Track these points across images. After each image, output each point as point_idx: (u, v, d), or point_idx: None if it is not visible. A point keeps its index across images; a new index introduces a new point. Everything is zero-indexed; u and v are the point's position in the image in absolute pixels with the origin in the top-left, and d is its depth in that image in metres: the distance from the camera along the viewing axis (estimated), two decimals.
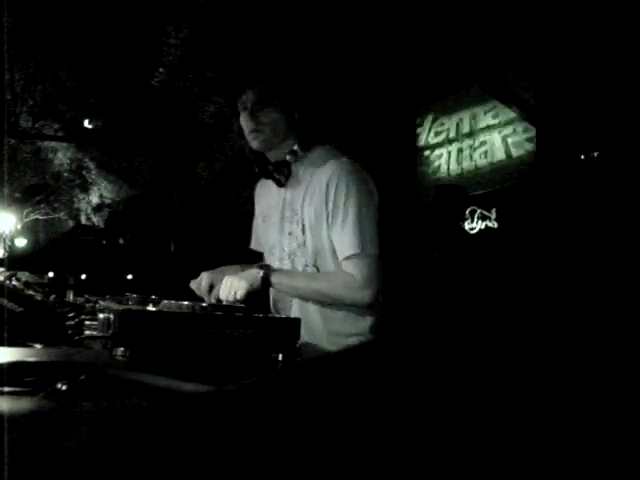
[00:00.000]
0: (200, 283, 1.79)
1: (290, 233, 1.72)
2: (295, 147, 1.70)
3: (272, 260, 1.81)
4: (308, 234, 1.67)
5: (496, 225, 6.95)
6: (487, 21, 6.19)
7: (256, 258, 2.07)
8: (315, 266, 1.67)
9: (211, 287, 1.76)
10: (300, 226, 1.69)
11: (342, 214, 1.59)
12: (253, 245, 2.03)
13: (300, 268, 1.69)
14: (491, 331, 0.42)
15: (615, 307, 0.42)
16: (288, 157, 1.71)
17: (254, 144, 1.71)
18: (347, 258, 1.59)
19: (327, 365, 0.41)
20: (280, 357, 1.09)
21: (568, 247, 5.24)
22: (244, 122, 1.70)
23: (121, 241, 16.38)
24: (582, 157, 5.64)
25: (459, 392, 0.35)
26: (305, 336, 1.66)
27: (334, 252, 1.64)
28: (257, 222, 1.97)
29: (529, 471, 0.31)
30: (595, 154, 5.56)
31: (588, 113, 5.42)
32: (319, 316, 1.67)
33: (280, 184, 1.73)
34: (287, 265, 1.73)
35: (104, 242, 16.61)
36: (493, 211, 7.00)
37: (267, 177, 1.77)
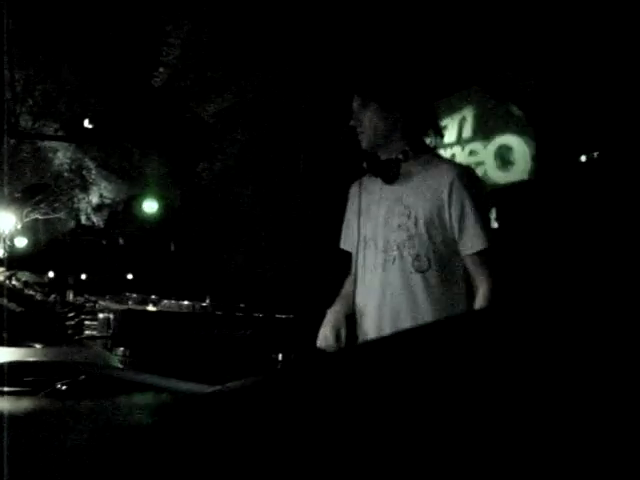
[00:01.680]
0: (325, 336, 1.88)
1: (400, 226, 1.84)
2: (406, 148, 1.85)
3: (370, 251, 1.91)
4: (421, 227, 1.81)
5: (496, 225, 6.95)
6: (487, 21, 6.19)
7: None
8: (427, 256, 1.81)
9: (337, 335, 1.88)
10: (413, 220, 1.83)
11: (472, 215, 1.78)
12: (342, 244, 2.12)
13: (410, 258, 1.82)
14: (491, 331, 0.42)
15: (615, 307, 0.42)
16: (400, 156, 1.85)
17: (362, 144, 1.89)
18: (478, 253, 1.78)
19: (327, 365, 0.41)
20: (280, 357, 1.09)
21: (568, 247, 5.24)
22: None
23: (121, 241, 16.38)
24: (582, 157, 5.64)
25: (459, 392, 0.35)
26: (411, 323, 1.78)
27: (445, 247, 1.81)
28: (349, 220, 2.06)
29: (529, 471, 0.31)
30: (595, 154, 5.56)
31: (588, 113, 5.42)
32: (427, 304, 1.81)
33: (389, 180, 1.87)
34: (394, 254, 1.85)
35: (104, 242, 16.62)
36: (493, 211, 7.00)
37: (376, 174, 1.89)
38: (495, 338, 0.40)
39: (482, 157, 7.34)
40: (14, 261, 12.67)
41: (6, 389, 0.65)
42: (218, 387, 0.43)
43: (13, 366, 0.69)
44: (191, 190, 12.27)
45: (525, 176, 6.54)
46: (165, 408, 0.36)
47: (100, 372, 0.71)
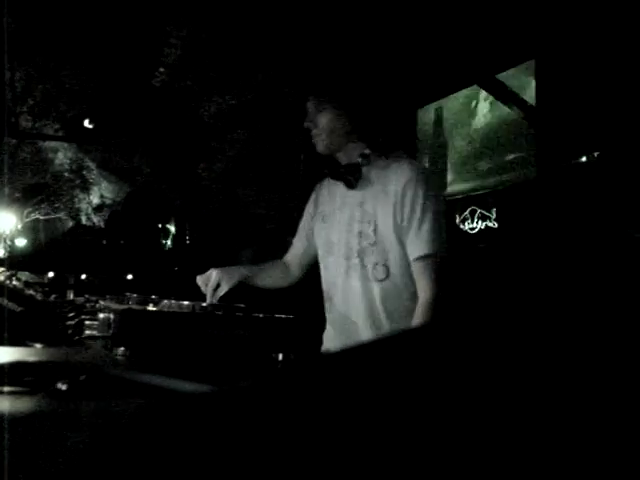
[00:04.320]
0: (208, 279, 1.82)
1: (360, 232, 1.78)
2: (366, 151, 1.78)
3: (332, 258, 1.87)
4: (380, 234, 1.75)
5: (496, 225, 6.95)
6: (487, 21, 6.19)
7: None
8: (385, 265, 1.75)
9: (217, 285, 1.81)
10: (372, 226, 1.76)
11: (420, 216, 1.69)
12: (296, 240, 2.07)
13: (370, 266, 1.76)
14: (491, 331, 0.42)
15: (615, 308, 0.42)
16: (360, 160, 1.79)
17: (317, 147, 1.82)
18: (420, 258, 1.69)
19: (327, 365, 0.41)
20: (280, 357, 1.09)
21: (568, 247, 5.24)
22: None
23: (122, 241, 16.38)
24: (582, 157, 5.64)
25: (460, 392, 0.35)
26: (370, 333, 1.72)
27: (403, 252, 1.73)
28: (311, 222, 2.01)
29: (528, 471, 0.31)
30: (595, 154, 5.56)
31: (588, 113, 5.42)
32: (384, 314, 1.75)
33: (351, 185, 1.80)
34: (355, 262, 1.79)
35: (104, 242, 16.62)
36: (493, 211, 7.00)
37: (337, 179, 1.83)
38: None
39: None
40: (14, 261, 12.67)
41: (6, 389, 0.65)
42: (218, 387, 0.43)
43: (13, 366, 0.69)
44: (191, 190, 12.27)
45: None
46: (165, 408, 0.36)
47: (101, 372, 0.71)
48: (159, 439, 0.31)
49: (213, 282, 1.81)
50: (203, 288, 1.82)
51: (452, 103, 7.97)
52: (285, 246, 2.18)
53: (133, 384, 0.68)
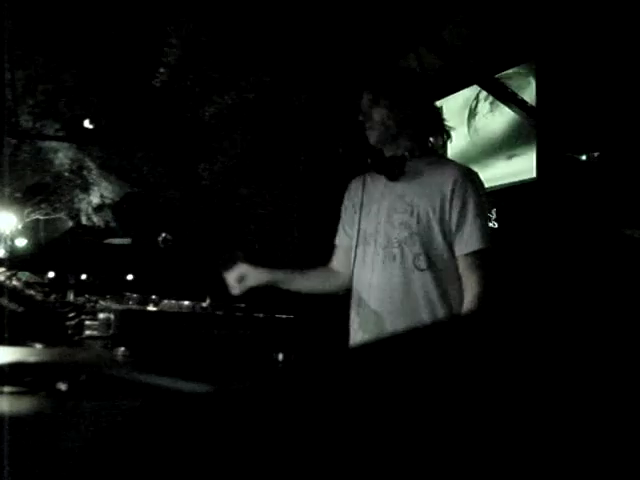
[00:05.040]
0: (236, 270, 1.88)
1: (401, 223, 1.83)
2: (413, 146, 1.87)
3: (368, 248, 1.90)
4: (423, 225, 1.80)
5: (496, 225, 6.94)
6: (487, 21, 6.19)
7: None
8: (427, 254, 1.79)
9: (241, 278, 1.86)
10: (415, 217, 1.81)
11: (470, 214, 1.76)
12: (339, 240, 2.11)
13: (411, 256, 1.80)
14: (491, 331, 0.42)
15: (616, 308, 0.42)
16: (406, 154, 1.86)
17: (370, 140, 1.89)
18: (471, 253, 1.75)
19: (327, 365, 0.41)
20: (280, 357, 1.09)
21: (568, 247, 5.24)
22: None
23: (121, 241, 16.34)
24: (583, 157, 5.64)
25: (461, 393, 0.35)
26: (405, 323, 1.74)
27: (446, 247, 1.78)
28: (347, 215, 2.04)
29: (528, 471, 0.31)
30: (596, 154, 5.56)
31: (589, 113, 5.41)
32: (424, 302, 1.78)
33: (393, 177, 1.86)
34: (395, 252, 1.82)
35: (104, 242, 16.60)
36: (493, 211, 6.99)
37: (380, 170, 1.89)
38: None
39: None
40: (15, 261, 12.66)
41: (6, 389, 0.65)
42: (218, 387, 0.43)
43: (13, 366, 0.69)
44: (191, 190, 12.26)
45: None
46: (165, 408, 0.36)
47: (101, 372, 0.71)
48: (159, 439, 0.31)
49: (237, 274, 1.85)
50: (228, 279, 1.86)
51: (452, 103, 7.97)
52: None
53: (133, 384, 0.68)
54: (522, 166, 6.67)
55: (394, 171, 1.84)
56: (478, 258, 1.75)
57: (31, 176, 15.01)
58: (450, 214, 1.77)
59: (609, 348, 0.38)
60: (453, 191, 1.77)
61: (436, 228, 1.77)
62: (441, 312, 1.76)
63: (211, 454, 0.30)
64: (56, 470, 0.28)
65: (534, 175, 6.38)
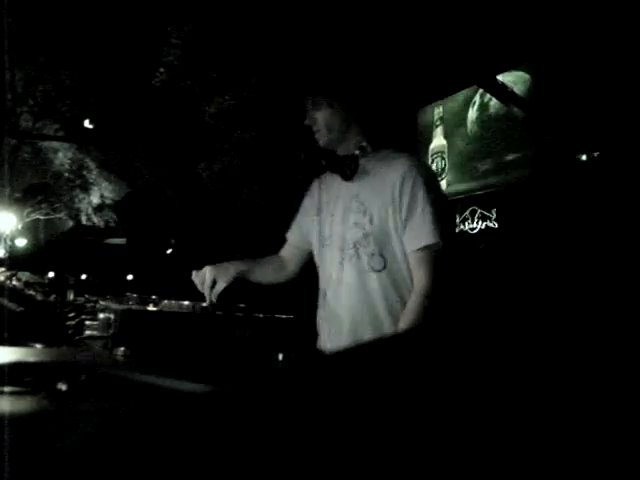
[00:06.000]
0: (203, 277, 1.82)
1: (356, 223, 1.79)
2: (363, 143, 1.81)
3: (326, 250, 1.87)
4: (376, 225, 1.75)
5: (496, 225, 6.95)
6: (487, 21, 6.19)
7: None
8: (382, 255, 1.74)
9: (214, 283, 1.80)
10: (368, 217, 1.76)
11: (418, 208, 1.69)
12: (290, 235, 2.08)
13: (366, 257, 1.76)
14: (491, 331, 0.42)
15: (616, 308, 0.42)
16: (357, 152, 1.81)
17: (320, 142, 1.85)
18: (417, 250, 1.68)
19: (327, 365, 0.41)
20: (280, 357, 1.09)
21: (568, 247, 5.24)
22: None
23: (122, 241, 16.36)
24: (582, 157, 5.64)
25: (461, 393, 0.35)
26: (369, 326, 1.71)
27: (401, 245, 1.73)
28: (306, 216, 2.01)
29: (527, 471, 0.31)
30: (595, 154, 5.56)
31: (588, 113, 5.42)
32: (383, 305, 1.74)
33: (346, 176, 1.82)
34: (350, 253, 1.79)
35: (104, 242, 16.61)
36: (493, 211, 7.00)
37: (333, 170, 1.85)
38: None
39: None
40: (15, 261, 12.67)
41: (6, 389, 0.65)
42: (218, 387, 0.43)
43: (13, 366, 0.69)
44: (191, 190, 12.27)
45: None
46: (165, 408, 0.36)
47: (101, 372, 0.71)
48: (158, 439, 0.31)
49: (208, 280, 1.80)
50: (200, 287, 1.82)
51: (452, 103, 7.97)
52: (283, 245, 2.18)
53: (133, 384, 0.68)
54: (522, 166, 6.67)
55: (346, 171, 1.81)
56: (428, 254, 1.67)
57: (31, 176, 15.02)
58: (400, 210, 1.71)
59: (609, 348, 0.38)
60: (402, 185, 1.70)
61: (391, 227, 1.73)
62: (398, 314, 1.72)
63: (211, 454, 0.30)
64: (56, 470, 0.28)
65: (534, 175, 6.39)
